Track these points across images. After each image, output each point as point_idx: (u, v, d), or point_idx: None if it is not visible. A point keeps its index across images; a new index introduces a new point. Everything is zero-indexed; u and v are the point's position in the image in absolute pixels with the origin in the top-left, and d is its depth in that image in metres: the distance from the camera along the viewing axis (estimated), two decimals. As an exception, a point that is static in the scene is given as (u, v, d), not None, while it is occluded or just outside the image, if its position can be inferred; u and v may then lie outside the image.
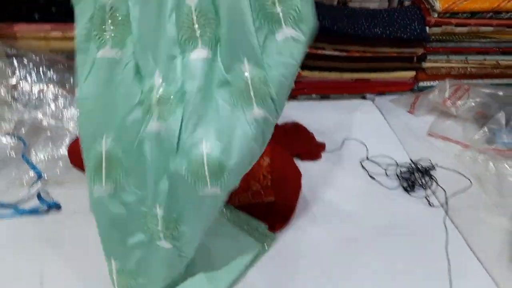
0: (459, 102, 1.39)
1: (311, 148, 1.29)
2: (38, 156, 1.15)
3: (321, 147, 1.31)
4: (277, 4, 0.70)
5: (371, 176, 1.21)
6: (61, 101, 1.20)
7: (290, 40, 0.70)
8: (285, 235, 1.01)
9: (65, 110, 1.20)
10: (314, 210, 1.09)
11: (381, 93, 1.59)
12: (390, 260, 0.96)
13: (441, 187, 1.15)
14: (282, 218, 1.03)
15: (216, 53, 0.73)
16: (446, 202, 1.10)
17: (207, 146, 0.69)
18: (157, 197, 0.73)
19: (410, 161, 1.25)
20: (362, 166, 1.25)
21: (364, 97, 1.59)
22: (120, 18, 0.71)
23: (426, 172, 1.19)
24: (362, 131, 1.40)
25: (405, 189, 1.16)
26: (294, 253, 0.98)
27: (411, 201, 1.13)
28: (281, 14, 0.70)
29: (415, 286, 0.91)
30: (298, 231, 1.03)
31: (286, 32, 0.70)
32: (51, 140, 1.18)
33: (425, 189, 1.16)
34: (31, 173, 1.12)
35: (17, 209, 1.06)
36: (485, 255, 0.97)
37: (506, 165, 1.17)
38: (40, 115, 1.17)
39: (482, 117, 1.36)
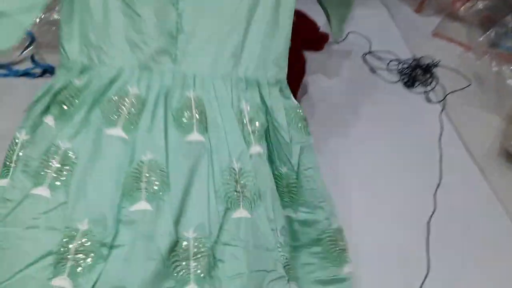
0: (468, 4, 1.35)
1: (314, 37, 1.25)
2: (30, 18, 1.09)
3: (324, 37, 1.27)
4: None
5: (372, 70, 1.20)
6: (53, -40, 1.11)
7: None
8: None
9: (58, -28, 1.11)
10: (314, 98, 1.09)
11: (388, -10, 1.53)
12: (386, 149, 0.98)
13: (440, 84, 1.15)
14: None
15: None
16: (444, 99, 1.11)
17: None
18: None
19: (412, 58, 1.23)
20: (364, 60, 1.23)
21: (370, -7, 1.53)
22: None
23: (427, 69, 1.18)
24: (367, 26, 1.36)
25: (405, 84, 1.16)
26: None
27: (410, 96, 1.13)
28: None
29: (408, 173, 0.94)
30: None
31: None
32: (43, 3, 1.11)
33: (425, 85, 1.16)
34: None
35: (10, 70, 1.01)
36: (476, 149, 1.00)
37: (508, 69, 1.17)
38: (31, -26, 1.08)
39: (489, 21, 1.33)
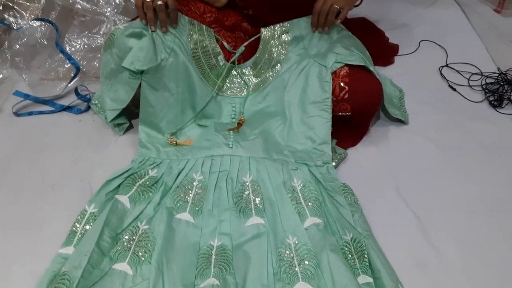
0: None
1: (383, 50, 1.11)
2: (73, 45, 1.01)
3: (393, 49, 1.13)
4: None
5: (451, 87, 1.05)
6: (95, -20, 1.02)
7: None
8: (356, 151, 0.90)
9: (101, -9, 1.03)
10: (386, 123, 0.96)
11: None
12: (471, 188, 0.84)
13: (535, 103, 0.99)
14: (355, 134, 0.90)
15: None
16: (542, 122, 0.95)
17: None
18: None
19: (498, 71, 1.07)
20: (441, 74, 1.08)
21: (442, -10, 1.36)
22: None
23: (517, 84, 1.02)
24: (440, 32, 1.20)
25: (492, 104, 1.00)
26: (365, 169, 0.87)
27: (499, 118, 0.98)
28: None
29: (501, 217, 0.80)
30: (369, 147, 0.91)
31: None
32: (86, 27, 1.03)
33: (515, 105, 1.00)
34: (67, 65, 0.99)
35: (54, 105, 0.95)
36: None
37: None
38: (72, -4, 1.00)
39: None
